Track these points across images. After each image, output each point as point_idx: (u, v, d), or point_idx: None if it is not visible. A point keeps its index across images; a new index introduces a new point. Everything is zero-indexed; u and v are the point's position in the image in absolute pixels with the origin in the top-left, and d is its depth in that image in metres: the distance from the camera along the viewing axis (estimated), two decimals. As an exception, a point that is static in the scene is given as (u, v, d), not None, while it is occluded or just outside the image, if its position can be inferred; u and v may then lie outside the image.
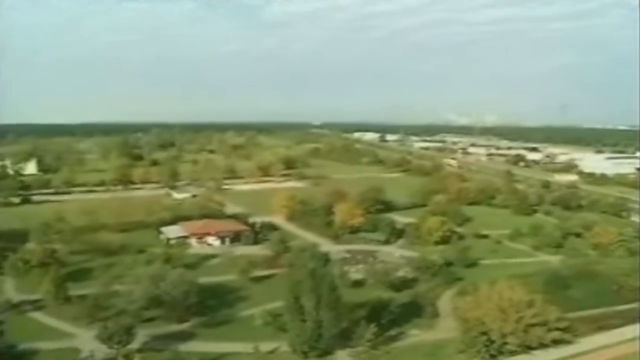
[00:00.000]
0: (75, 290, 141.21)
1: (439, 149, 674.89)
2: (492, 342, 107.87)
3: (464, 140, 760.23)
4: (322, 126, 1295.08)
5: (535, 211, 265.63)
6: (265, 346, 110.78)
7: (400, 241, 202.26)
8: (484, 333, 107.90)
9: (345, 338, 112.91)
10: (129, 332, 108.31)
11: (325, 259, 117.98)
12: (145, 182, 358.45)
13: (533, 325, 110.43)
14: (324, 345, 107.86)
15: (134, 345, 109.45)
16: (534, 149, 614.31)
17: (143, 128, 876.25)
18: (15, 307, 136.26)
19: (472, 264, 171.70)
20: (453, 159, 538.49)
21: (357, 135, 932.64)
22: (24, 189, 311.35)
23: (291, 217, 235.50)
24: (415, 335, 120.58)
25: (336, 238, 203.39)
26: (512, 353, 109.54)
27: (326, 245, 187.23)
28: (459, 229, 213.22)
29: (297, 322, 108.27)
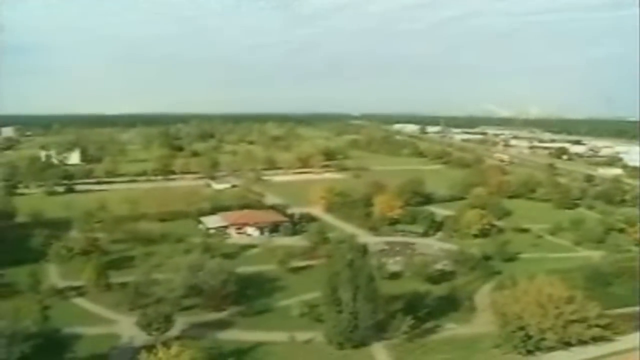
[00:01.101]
0: (116, 277, 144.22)
1: (480, 141, 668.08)
2: (530, 337, 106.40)
3: (506, 132, 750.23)
4: (362, 117, 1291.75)
5: (577, 205, 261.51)
6: (301, 336, 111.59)
7: (439, 234, 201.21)
8: (522, 328, 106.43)
9: (381, 330, 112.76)
10: (167, 320, 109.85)
11: (363, 250, 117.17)
12: (185, 172, 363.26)
13: (572, 321, 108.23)
14: (360, 337, 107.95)
15: (173, 332, 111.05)
16: (578, 142, 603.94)
17: (184, 119, 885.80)
18: (59, 292, 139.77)
19: (511, 258, 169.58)
20: (502, 151, 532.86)
21: (397, 126, 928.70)
22: (68, 179, 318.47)
23: (330, 209, 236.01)
24: (452, 328, 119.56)
25: (375, 230, 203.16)
26: (550, 349, 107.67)
27: (364, 237, 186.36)
28: (498, 223, 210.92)
29: (333, 313, 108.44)
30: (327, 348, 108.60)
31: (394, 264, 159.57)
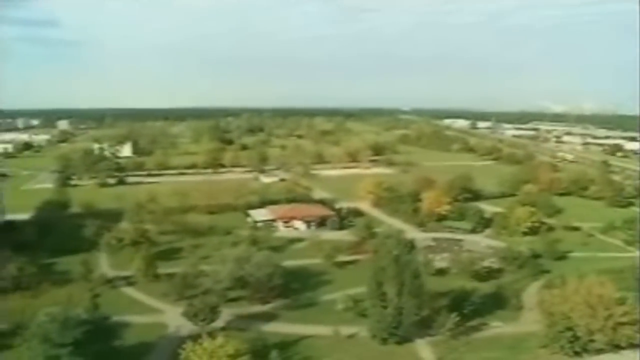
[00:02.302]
0: (164, 268, 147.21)
1: (532, 137, 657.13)
2: (578, 338, 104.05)
3: (559, 128, 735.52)
4: (412, 112, 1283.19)
5: (631, 204, 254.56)
6: (345, 331, 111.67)
7: (488, 231, 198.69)
8: (570, 329, 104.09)
9: (425, 326, 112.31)
10: (213, 311, 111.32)
11: (410, 246, 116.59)
12: (234, 165, 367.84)
13: (623, 324, 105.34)
14: (404, 333, 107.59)
15: (218, 323, 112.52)
16: (633, 139, 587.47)
17: (234, 113, 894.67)
18: (109, 282, 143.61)
19: (560, 257, 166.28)
20: (555, 147, 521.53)
21: (447, 122, 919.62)
22: (120, 171, 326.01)
23: (377, 204, 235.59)
24: (497, 327, 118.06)
25: (422, 225, 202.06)
26: (599, 351, 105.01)
27: (412, 233, 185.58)
28: (548, 220, 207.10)
29: (378, 308, 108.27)
30: (370, 343, 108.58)
31: (440, 260, 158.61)
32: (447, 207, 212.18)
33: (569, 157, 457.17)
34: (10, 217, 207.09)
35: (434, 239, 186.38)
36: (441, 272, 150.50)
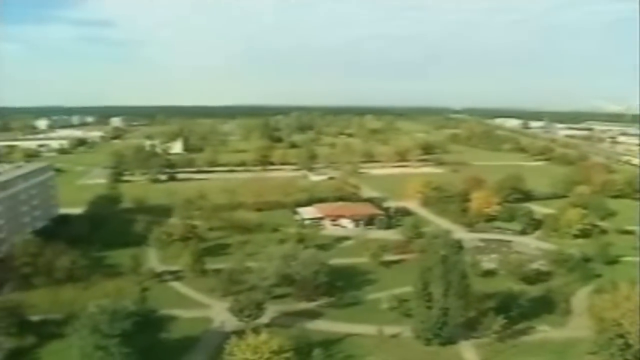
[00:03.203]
0: (211, 264, 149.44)
1: (586, 138, 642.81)
2: (629, 346, 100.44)
3: (614, 128, 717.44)
4: (463, 111, 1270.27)
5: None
6: (389, 330, 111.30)
7: (537, 232, 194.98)
8: (621, 335, 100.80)
9: (470, 328, 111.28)
10: (259, 307, 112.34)
11: (458, 246, 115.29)
12: (283, 163, 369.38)
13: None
14: (448, 334, 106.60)
15: (263, 320, 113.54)
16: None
17: (283, 111, 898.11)
18: (157, 276, 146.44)
19: (612, 261, 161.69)
20: (609, 148, 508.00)
21: (498, 121, 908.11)
22: (170, 167, 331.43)
23: (426, 203, 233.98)
24: (545, 331, 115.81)
25: (471, 226, 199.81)
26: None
27: (460, 233, 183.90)
28: (601, 223, 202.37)
29: (423, 309, 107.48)
30: (414, 343, 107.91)
31: (488, 262, 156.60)
32: (497, 208, 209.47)
33: (636, 161, 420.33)
34: (64, 211, 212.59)
35: (482, 240, 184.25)
36: (489, 273, 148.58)
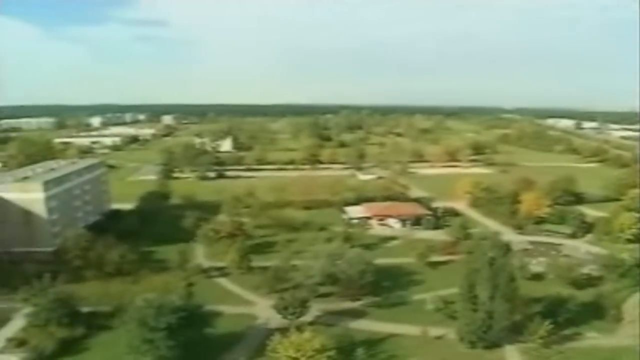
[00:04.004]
0: (258, 261, 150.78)
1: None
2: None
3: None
4: (514, 111, 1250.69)
5: None
6: (433, 332, 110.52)
7: (588, 236, 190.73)
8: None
9: (516, 332, 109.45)
10: (303, 305, 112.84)
11: (506, 248, 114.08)
12: (332, 162, 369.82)
13: None
14: (493, 337, 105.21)
15: (307, 318, 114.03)
16: None
17: (333, 110, 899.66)
18: (204, 272, 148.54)
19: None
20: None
21: (550, 121, 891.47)
22: (220, 165, 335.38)
23: (474, 204, 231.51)
24: (593, 338, 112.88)
25: (519, 228, 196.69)
26: None
27: (508, 235, 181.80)
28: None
29: (468, 311, 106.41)
30: (458, 346, 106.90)
31: (537, 265, 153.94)
32: (547, 210, 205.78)
33: None
34: (115, 206, 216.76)
35: (531, 243, 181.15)
36: (537, 277, 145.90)
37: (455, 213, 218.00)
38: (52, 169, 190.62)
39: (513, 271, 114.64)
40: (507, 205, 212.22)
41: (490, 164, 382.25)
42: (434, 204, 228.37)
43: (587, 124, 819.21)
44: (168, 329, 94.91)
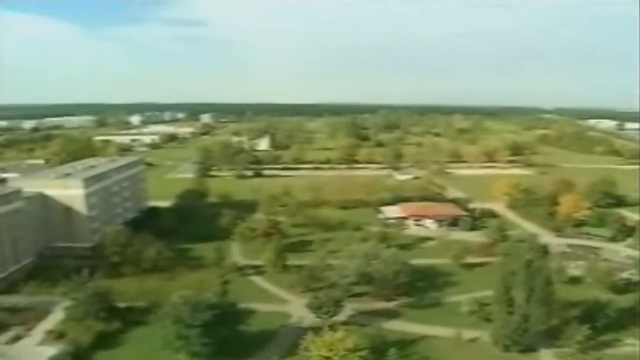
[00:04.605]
0: (293, 260, 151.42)
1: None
2: None
3: None
4: (554, 111, 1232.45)
5: None
6: (467, 334, 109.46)
7: (629, 240, 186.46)
8: None
9: (552, 336, 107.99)
10: (337, 305, 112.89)
11: (544, 251, 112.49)
12: (369, 162, 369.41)
13: None
14: (529, 341, 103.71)
15: (340, 317, 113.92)
16: None
17: (370, 109, 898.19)
18: (240, 270, 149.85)
19: None
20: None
21: (591, 122, 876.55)
22: (256, 164, 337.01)
23: (512, 205, 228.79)
24: (632, 344, 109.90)
25: (558, 230, 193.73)
26: None
27: (546, 237, 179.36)
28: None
29: (503, 314, 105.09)
30: (492, 349, 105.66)
31: (575, 268, 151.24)
32: (586, 213, 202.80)
33: None
34: (153, 203, 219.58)
35: (570, 245, 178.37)
36: (575, 280, 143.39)
37: (492, 214, 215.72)
38: (92, 166, 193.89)
39: (550, 274, 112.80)
40: (546, 207, 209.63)
41: (528, 165, 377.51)
42: (471, 205, 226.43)
43: (630, 125, 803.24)
44: (203, 325, 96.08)
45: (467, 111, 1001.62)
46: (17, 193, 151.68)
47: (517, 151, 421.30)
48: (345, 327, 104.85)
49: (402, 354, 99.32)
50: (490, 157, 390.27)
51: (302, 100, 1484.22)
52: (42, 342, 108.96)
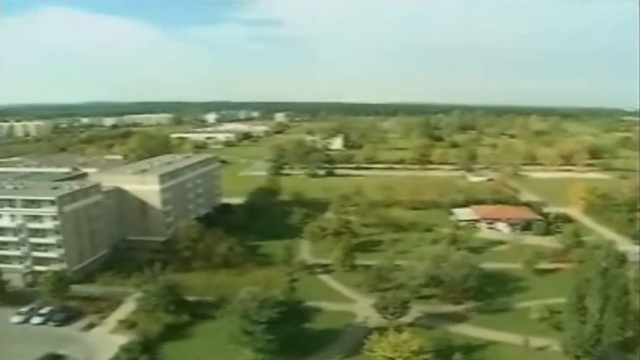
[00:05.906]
0: (361, 259, 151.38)
1: None
2: None
3: None
4: (637, 113, 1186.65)
5: None
6: (536, 342, 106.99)
7: None
8: None
9: (627, 349, 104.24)
10: (404, 306, 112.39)
11: (621, 259, 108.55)
12: (442, 162, 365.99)
13: None
14: (601, 352, 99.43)
15: (406, 319, 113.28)
16: None
17: (445, 109, 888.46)
18: (308, 268, 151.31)
19: None
20: None
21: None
22: (329, 163, 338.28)
23: (589, 211, 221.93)
24: None
25: (637, 238, 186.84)
26: None
27: (624, 245, 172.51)
28: None
29: (576, 323, 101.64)
30: (562, 359, 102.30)
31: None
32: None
33: None
34: (226, 200, 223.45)
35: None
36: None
37: (567, 219, 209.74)
38: (168, 163, 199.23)
39: (627, 283, 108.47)
40: (625, 213, 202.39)
41: (608, 169, 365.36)
42: (546, 209, 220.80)
43: None
44: (269, 322, 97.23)
45: (545, 112, 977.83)
46: (96, 187, 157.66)
47: (596, 154, 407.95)
48: (410, 328, 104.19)
49: (467, 358, 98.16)
50: (567, 160, 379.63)
51: (376, 100, 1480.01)
52: (114, 331, 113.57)
